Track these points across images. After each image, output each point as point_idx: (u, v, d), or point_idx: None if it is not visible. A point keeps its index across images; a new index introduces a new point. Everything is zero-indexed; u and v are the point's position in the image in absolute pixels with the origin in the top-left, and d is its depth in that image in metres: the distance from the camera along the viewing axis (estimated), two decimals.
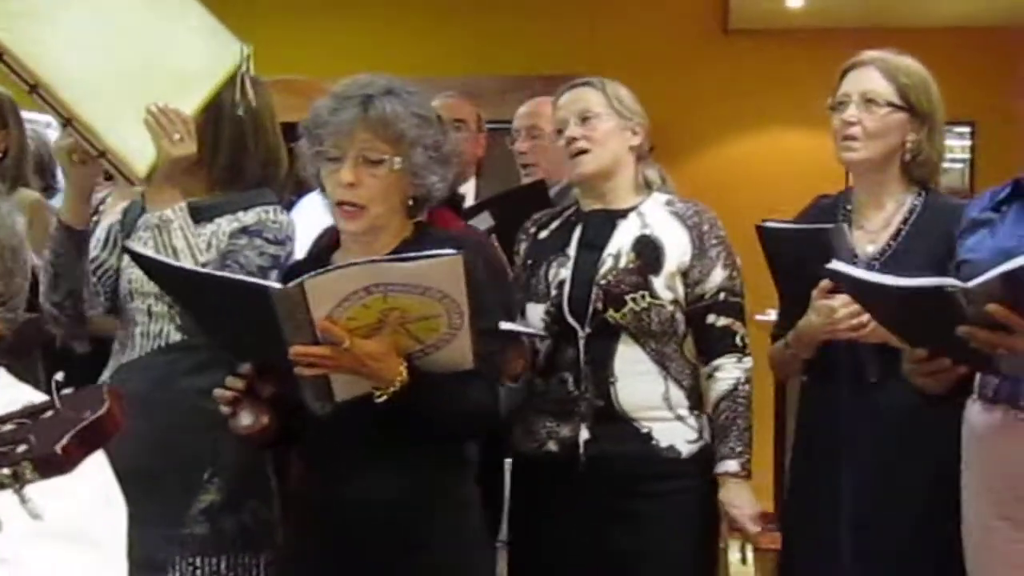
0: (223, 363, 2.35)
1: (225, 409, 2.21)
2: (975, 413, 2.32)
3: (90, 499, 1.34)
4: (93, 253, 2.63)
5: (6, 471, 0.97)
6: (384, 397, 2.12)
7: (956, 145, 5.77)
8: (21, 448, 0.98)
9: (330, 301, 2.05)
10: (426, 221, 2.42)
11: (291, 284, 2.04)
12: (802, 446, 2.75)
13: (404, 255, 2.08)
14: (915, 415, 2.48)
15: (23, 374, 1.68)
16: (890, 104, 2.67)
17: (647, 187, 2.80)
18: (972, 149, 5.82)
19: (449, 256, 2.03)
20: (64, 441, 0.98)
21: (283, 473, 2.57)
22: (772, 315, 2.87)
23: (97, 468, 1.36)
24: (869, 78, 2.69)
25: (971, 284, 1.88)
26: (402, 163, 2.27)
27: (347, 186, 2.26)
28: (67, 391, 1.06)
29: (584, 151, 2.75)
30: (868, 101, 2.66)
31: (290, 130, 2.70)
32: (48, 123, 4.18)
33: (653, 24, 6.23)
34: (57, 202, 3.85)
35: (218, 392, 2.21)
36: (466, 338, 2.12)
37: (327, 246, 2.45)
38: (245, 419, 2.21)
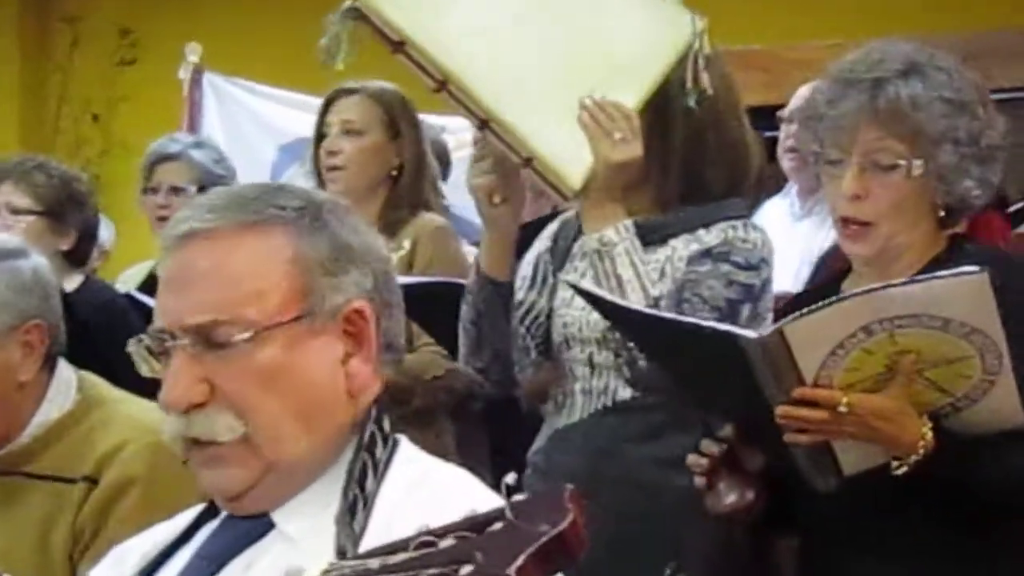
0: (683, 426, 2.39)
1: (700, 482, 2.23)
2: None
3: None
4: (518, 296, 2.71)
5: None
6: (904, 468, 2.09)
7: None
8: (466, 569, 1.00)
9: (820, 348, 2.04)
10: (964, 233, 2.33)
11: (768, 331, 2.06)
12: None
13: (911, 279, 2.07)
14: None
15: (430, 442, 1.72)
16: None
17: None
18: None
19: (969, 276, 1.98)
20: (519, 562, 1.00)
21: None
22: None
23: None
24: None
25: None
26: (924, 167, 2.22)
27: (851, 198, 2.24)
28: (519, 497, 1.07)
29: None
30: None
31: (752, 116, 2.70)
32: (443, 128, 4.41)
33: None
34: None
35: (692, 460, 2.23)
36: (1010, 385, 2.07)
37: (837, 272, 2.42)
38: (727, 495, 2.22)
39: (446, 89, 2.47)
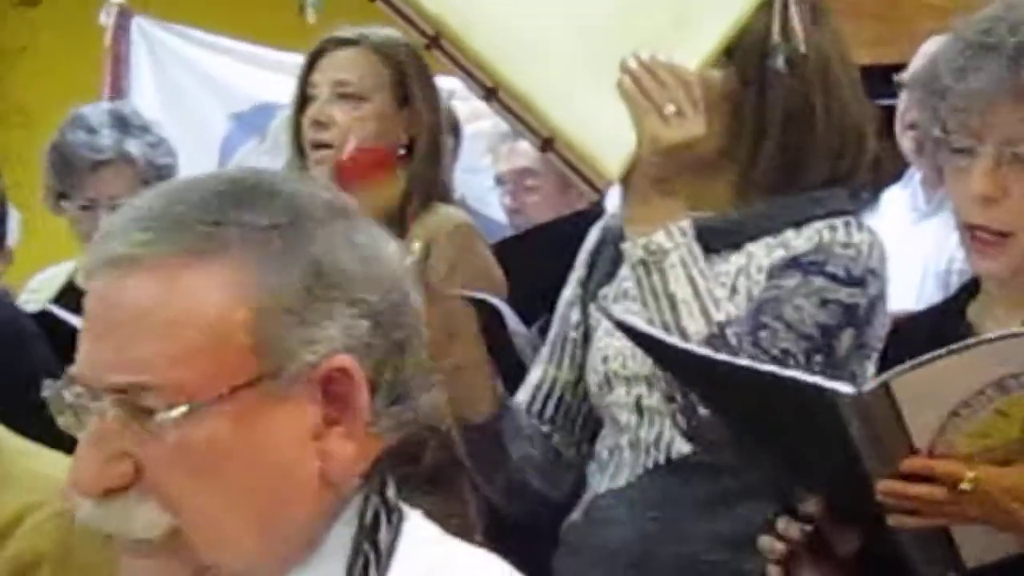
0: (764, 494, 2.42)
1: (774, 572, 2.24)
2: None
3: None
4: (537, 373, 2.78)
5: None
6: None
7: None
8: None
9: (938, 408, 2.07)
10: None
11: (871, 385, 2.08)
12: None
13: None
14: None
15: (446, 512, 1.75)
16: None
17: None
18: None
19: None
20: None
21: None
22: None
23: None
24: None
25: None
26: None
27: (981, 200, 2.27)
28: None
29: None
30: None
31: (861, 79, 2.74)
32: (451, 92, 4.44)
33: None
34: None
35: (766, 544, 2.25)
36: None
37: (963, 289, 2.48)
38: None
39: (438, 46, 2.50)
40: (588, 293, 2.76)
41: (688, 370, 2.40)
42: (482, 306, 2.78)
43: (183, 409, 1.46)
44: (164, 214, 1.52)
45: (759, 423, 2.28)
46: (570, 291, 2.81)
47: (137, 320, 1.49)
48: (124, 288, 1.50)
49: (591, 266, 2.79)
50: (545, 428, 2.76)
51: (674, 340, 2.41)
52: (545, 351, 2.81)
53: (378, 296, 1.54)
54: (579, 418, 2.77)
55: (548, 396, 2.78)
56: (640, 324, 2.42)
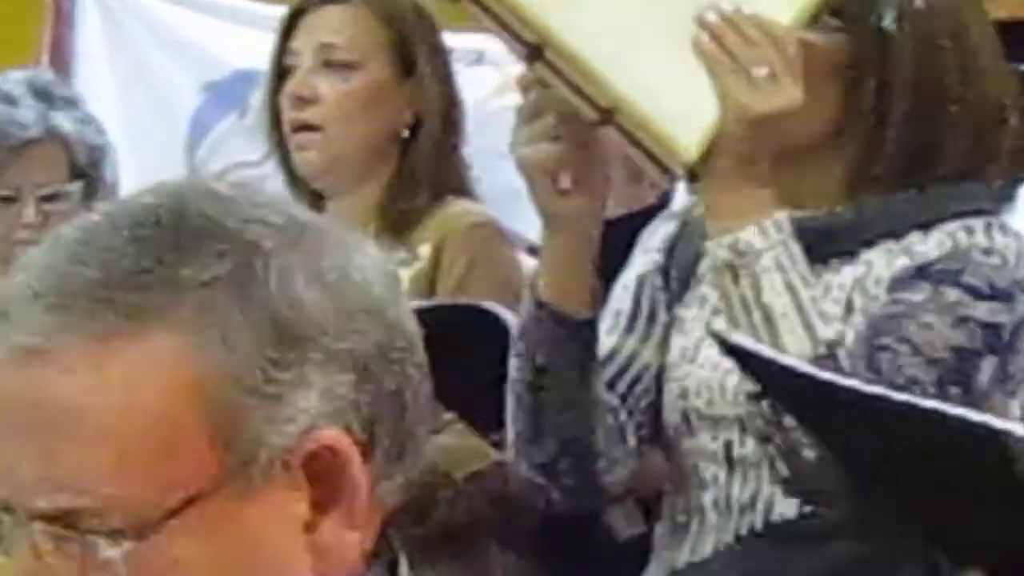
0: (896, 565, 2.47)
1: None
2: None
3: None
4: (606, 343, 2.74)
5: None
6: None
7: None
8: None
9: None
10: None
11: None
12: None
13: None
14: None
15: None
16: None
17: None
18: None
19: None
20: None
21: None
22: None
23: None
24: None
25: None
26: None
27: None
28: None
29: None
30: None
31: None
32: (479, 55, 4.38)
33: None
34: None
35: None
36: None
37: None
38: None
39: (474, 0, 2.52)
40: (672, 291, 2.75)
41: (815, 406, 2.43)
42: (486, 318, 2.89)
43: (130, 545, 1.40)
44: (72, 283, 1.43)
45: (901, 473, 2.34)
46: (647, 270, 2.79)
47: (58, 426, 1.41)
48: (35, 387, 1.42)
49: (669, 252, 2.79)
50: (613, 401, 2.73)
51: (806, 367, 2.38)
52: (615, 322, 2.77)
53: (360, 338, 1.46)
54: (651, 408, 2.74)
55: (624, 370, 2.75)
56: (755, 345, 2.41)
